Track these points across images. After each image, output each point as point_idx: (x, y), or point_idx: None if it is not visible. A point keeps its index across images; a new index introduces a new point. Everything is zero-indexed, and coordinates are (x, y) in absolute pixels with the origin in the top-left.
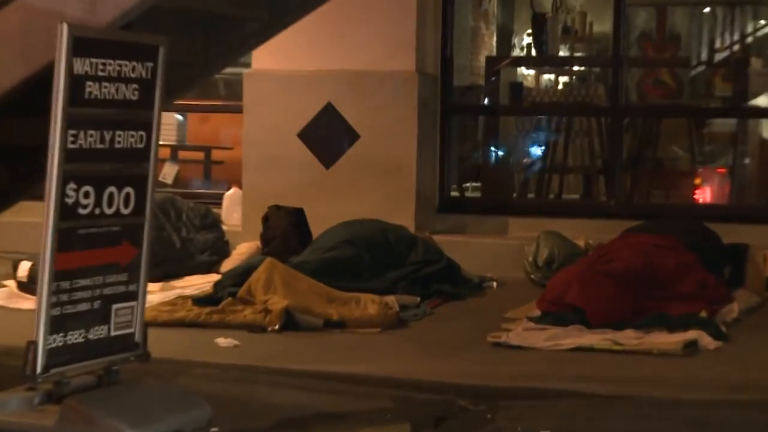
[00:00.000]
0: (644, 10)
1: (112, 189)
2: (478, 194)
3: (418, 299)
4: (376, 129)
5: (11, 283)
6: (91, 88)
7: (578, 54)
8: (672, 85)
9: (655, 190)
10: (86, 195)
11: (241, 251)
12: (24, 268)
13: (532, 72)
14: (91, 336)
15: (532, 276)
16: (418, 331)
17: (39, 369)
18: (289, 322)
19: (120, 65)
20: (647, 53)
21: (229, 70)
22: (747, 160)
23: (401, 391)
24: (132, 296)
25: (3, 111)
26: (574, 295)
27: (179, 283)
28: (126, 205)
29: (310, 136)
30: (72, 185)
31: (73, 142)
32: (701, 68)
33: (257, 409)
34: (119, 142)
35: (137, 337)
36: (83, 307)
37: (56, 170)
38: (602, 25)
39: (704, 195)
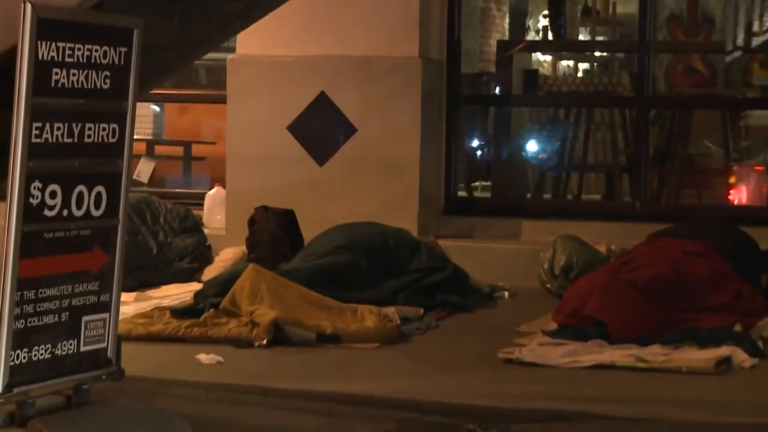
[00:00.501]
0: None
1: (82, 188)
2: (488, 194)
3: (422, 311)
4: (375, 121)
5: None
6: (58, 76)
7: (600, 38)
8: (704, 72)
9: (685, 190)
10: (53, 195)
11: (225, 257)
12: None
13: (548, 58)
14: (58, 351)
15: (548, 285)
16: (421, 346)
17: (1, 388)
18: (279, 335)
19: (90, 50)
20: (677, 37)
21: (211, 55)
22: None
23: (403, 413)
24: (104, 307)
25: None
26: (594, 307)
27: (156, 293)
28: (97, 206)
29: (302, 130)
30: (37, 184)
31: (37, 136)
32: (737, 54)
33: None
34: (89, 136)
35: (110, 353)
36: (50, 319)
37: (19, 167)
38: (627, 6)
39: (740, 195)
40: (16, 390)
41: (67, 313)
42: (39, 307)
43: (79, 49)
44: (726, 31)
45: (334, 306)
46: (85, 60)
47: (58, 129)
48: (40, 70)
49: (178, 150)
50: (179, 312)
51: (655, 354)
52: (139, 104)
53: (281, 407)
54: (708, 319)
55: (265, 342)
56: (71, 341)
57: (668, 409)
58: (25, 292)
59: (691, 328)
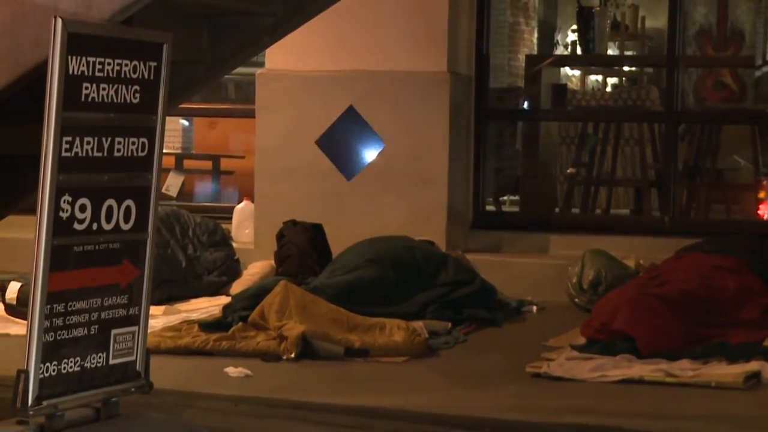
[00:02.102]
0: (703, 4)
1: (111, 202)
2: (516, 209)
3: (449, 325)
4: (403, 136)
5: None
6: (88, 90)
7: (629, 53)
8: (734, 87)
9: (714, 205)
10: (82, 208)
11: (253, 271)
12: (13, 289)
13: (577, 72)
14: (87, 364)
15: (576, 300)
16: (449, 360)
17: (30, 400)
18: (307, 349)
19: (120, 65)
20: (706, 52)
21: (239, 70)
22: None
23: (431, 427)
24: (133, 321)
25: None
26: (622, 321)
27: (185, 307)
28: (126, 220)
29: (330, 144)
30: (67, 198)
31: (67, 150)
32: (767, 68)
33: None
34: (119, 150)
35: (138, 366)
36: (79, 332)
37: (49, 181)
38: (656, 21)
39: None
40: (45, 402)
41: (97, 327)
42: (68, 320)
43: (109, 64)
44: (755, 46)
45: (362, 324)
46: (114, 74)
47: (88, 143)
48: (71, 84)
49: (207, 164)
50: (208, 325)
51: (684, 369)
52: (168, 118)
53: (309, 421)
54: (737, 334)
55: (293, 355)
56: (100, 354)
57: (697, 424)
58: (54, 305)
59: (721, 343)
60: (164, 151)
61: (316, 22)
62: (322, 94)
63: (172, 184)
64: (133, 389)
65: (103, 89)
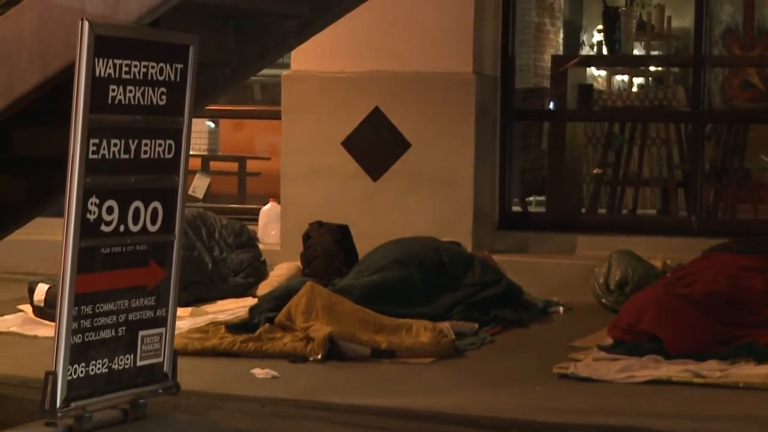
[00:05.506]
0: (730, 3)
1: (138, 204)
2: (542, 209)
3: (476, 326)
4: (429, 137)
5: (27, 308)
6: (115, 92)
7: (655, 52)
8: (761, 87)
9: (741, 205)
10: (109, 210)
11: (280, 272)
12: (41, 291)
13: (603, 73)
14: (115, 366)
15: (603, 300)
16: (475, 361)
17: (58, 402)
18: (334, 350)
19: (146, 67)
20: (733, 51)
21: (265, 71)
22: None
23: (457, 428)
24: (160, 322)
25: (18, 120)
26: (650, 322)
27: (211, 308)
28: (153, 222)
29: (356, 145)
30: (94, 199)
31: (94, 152)
32: None
33: None
34: (145, 152)
35: (166, 368)
36: (107, 334)
37: (76, 183)
38: (682, 20)
39: None
40: (73, 404)
41: (124, 328)
42: (96, 321)
43: (135, 66)
44: None
45: (389, 325)
46: (141, 77)
47: (115, 145)
48: (97, 86)
49: (233, 166)
50: (234, 327)
51: (712, 369)
52: (194, 120)
53: (336, 422)
54: (765, 334)
55: (320, 357)
56: (128, 356)
57: (725, 425)
58: (82, 307)
59: (749, 344)
60: (190, 152)
61: (342, 24)
62: (347, 96)
63: (199, 185)
64: (160, 391)
65: (130, 91)
